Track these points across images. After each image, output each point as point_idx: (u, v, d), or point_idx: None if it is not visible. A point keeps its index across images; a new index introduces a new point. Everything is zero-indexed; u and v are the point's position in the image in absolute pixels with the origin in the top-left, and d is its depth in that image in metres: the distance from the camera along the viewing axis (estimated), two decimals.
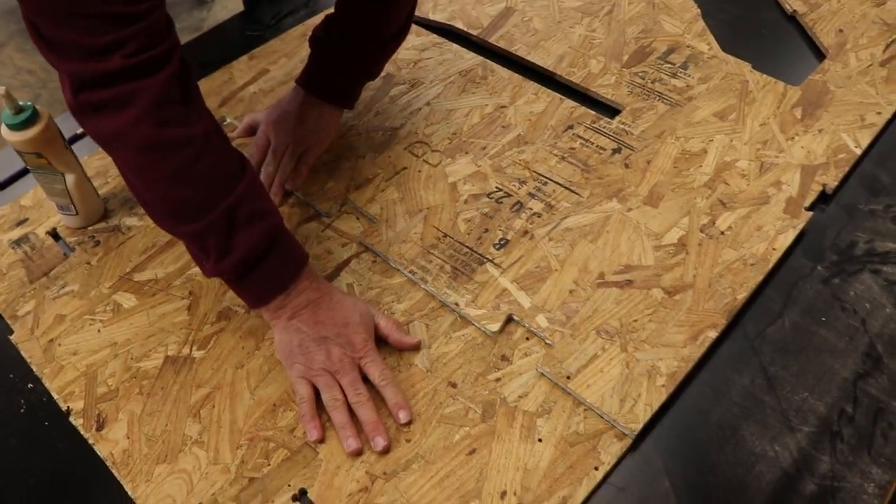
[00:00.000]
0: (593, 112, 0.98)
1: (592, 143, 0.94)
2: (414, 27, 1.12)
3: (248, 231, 0.68)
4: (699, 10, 1.12)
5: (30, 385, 0.75)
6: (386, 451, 0.68)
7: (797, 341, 0.75)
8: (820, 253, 0.82)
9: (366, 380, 0.72)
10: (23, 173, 0.95)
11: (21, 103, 0.79)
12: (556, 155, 0.93)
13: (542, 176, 0.91)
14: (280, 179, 0.90)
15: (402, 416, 0.70)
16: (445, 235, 0.84)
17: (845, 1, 1.12)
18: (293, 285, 0.72)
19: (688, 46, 1.06)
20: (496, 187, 0.89)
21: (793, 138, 0.93)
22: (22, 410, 0.74)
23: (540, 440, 0.68)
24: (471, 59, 1.07)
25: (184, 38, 1.14)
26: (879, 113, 0.95)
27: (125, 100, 0.62)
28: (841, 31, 1.07)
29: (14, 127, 0.78)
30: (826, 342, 0.75)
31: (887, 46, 1.04)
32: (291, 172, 0.90)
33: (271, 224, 0.71)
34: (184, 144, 0.66)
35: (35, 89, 2.19)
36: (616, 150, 0.93)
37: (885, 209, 0.86)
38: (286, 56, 1.09)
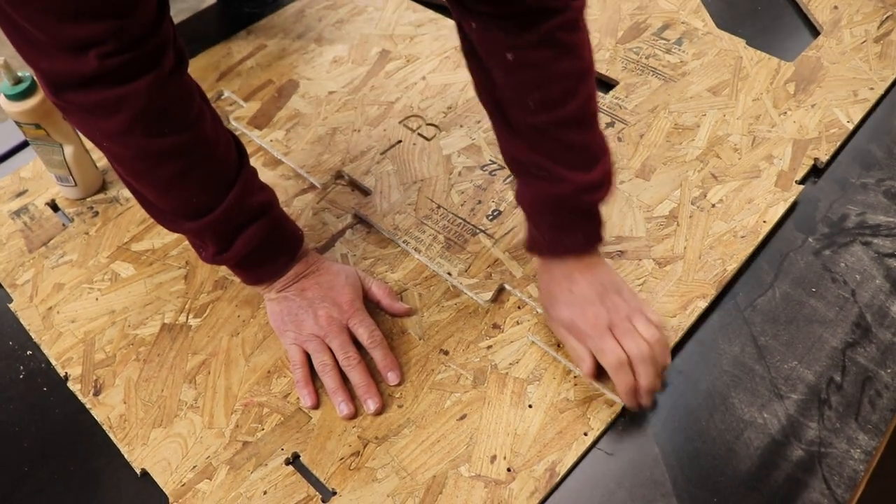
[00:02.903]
0: None
1: None
2: (410, 3, 1.12)
3: (247, 231, 0.69)
4: None
5: (29, 352, 0.77)
6: (378, 412, 0.69)
7: (787, 311, 0.76)
8: (812, 225, 0.83)
9: (358, 343, 0.73)
10: (23, 146, 0.96)
11: (20, 74, 0.80)
12: None
13: None
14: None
15: (392, 378, 0.71)
16: (439, 207, 0.85)
17: None
18: (288, 269, 0.74)
19: (682, 23, 1.07)
20: (490, 160, 0.90)
21: (785, 113, 0.93)
22: (21, 377, 0.75)
23: (530, 406, 0.69)
24: None
25: (183, 17, 1.16)
26: (872, 88, 0.95)
27: (110, 107, 0.57)
28: (836, 7, 1.07)
29: (12, 97, 0.79)
30: (816, 312, 0.76)
31: (882, 23, 1.04)
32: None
33: (269, 219, 0.70)
34: (179, 153, 0.62)
35: None
36: (609, 124, 0.93)
37: (877, 183, 0.87)
38: (283, 31, 1.10)
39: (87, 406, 0.72)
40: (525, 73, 0.64)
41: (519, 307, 0.77)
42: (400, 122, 0.96)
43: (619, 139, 0.91)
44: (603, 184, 0.68)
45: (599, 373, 0.69)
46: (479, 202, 0.85)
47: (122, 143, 0.61)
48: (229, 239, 0.68)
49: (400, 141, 0.93)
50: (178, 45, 0.61)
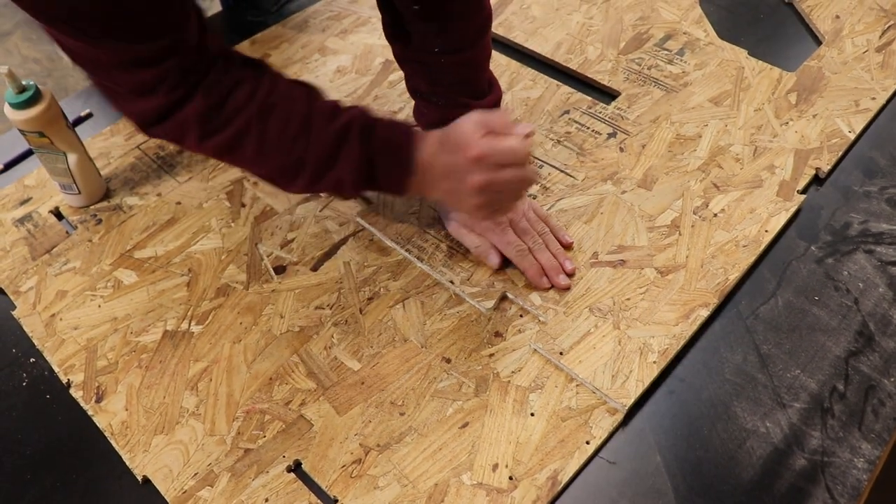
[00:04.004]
0: (589, 98, 0.99)
1: (588, 128, 0.95)
2: None
3: (344, 159, 0.66)
4: None
5: (31, 359, 0.77)
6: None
7: (790, 320, 0.76)
8: (814, 233, 0.83)
9: None
10: (27, 154, 0.97)
11: (24, 83, 0.80)
12: (551, 139, 0.94)
13: (538, 159, 0.91)
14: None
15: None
16: (439, 215, 0.85)
17: None
18: (415, 162, 0.68)
19: (684, 33, 1.07)
20: None
21: (787, 123, 0.93)
22: (24, 384, 0.75)
23: (532, 414, 0.69)
24: None
25: None
26: (874, 98, 0.95)
27: (180, 129, 0.63)
28: (837, 17, 1.07)
29: (17, 106, 0.79)
30: (819, 321, 0.76)
31: (883, 32, 1.04)
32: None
33: (356, 133, 0.66)
34: (245, 134, 0.64)
35: (41, 78, 2.21)
36: (611, 135, 0.94)
37: (880, 191, 0.87)
38: (287, 42, 1.10)
39: (89, 413, 0.72)
40: (429, 22, 0.74)
41: (521, 315, 0.77)
42: None
43: (622, 149, 0.92)
44: (496, 107, 0.81)
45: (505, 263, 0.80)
46: None
47: (202, 153, 0.67)
48: (333, 169, 0.67)
49: None
50: (221, 46, 0.65)
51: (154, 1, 0.56)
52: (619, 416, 0.69)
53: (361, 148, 0.66)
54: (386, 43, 0.82)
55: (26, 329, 0.78)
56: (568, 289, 0.78)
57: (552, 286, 0.79)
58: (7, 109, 0.81)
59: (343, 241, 0.84)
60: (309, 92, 0.67)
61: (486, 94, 0.80)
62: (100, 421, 0.71)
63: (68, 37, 0.57)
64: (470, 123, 0.66)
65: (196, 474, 0.67)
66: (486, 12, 0.76)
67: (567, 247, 0.82)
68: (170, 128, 0.63)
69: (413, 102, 0.83)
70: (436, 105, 0.79)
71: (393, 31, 0.78)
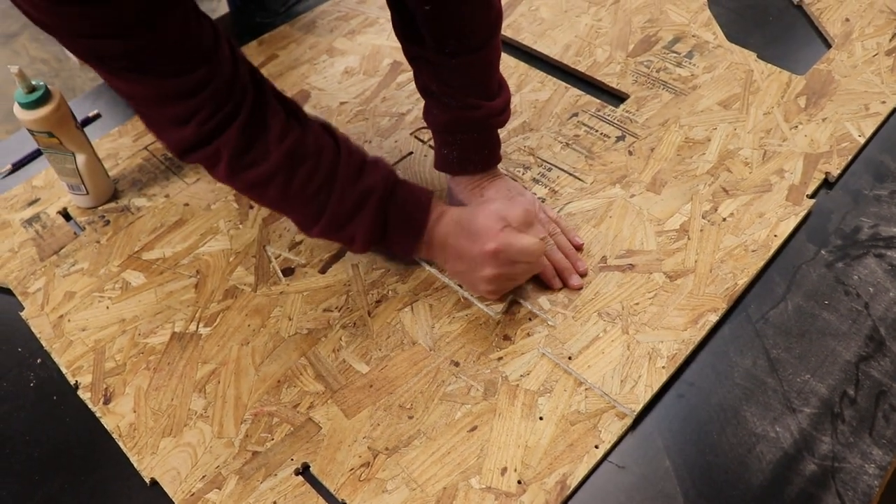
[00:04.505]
0: (598, 100, 0.99)
1: (597, 131, 0.95)
2: None
3: (360, 221, 0.69)
4: (705, 0, 1.13)
5: (39, 360, 0.77)
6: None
7: (800, 324, 0.76)
8: (824, 237, 0.83)
9: None
10: (35, 155, 0.97)
11: (34, 83, 0.80)
12: (560, 142, 0.94)
13: (547, 162, 0.91)
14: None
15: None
16: None
17: None
18: (425, 231, 0.72)
19: (693, 36, 1.07)
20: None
21: (796, 127, 0.93)
22: (32, 385, 0.75)
23: (541, 418, 0.69)
24: None
25: None
26: (884, 102, 0.95)
27: (212, 159, 0.65)
28: (847, 20, 1.07)
29: (26, 106, 0.80)
30: (829, 325, 0.76)
31: (894, 35, 1.04)
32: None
33: (375, 200, 0.69)
34: (272, 178, 0.66)
35: (48, 78, 2.22)
36: (620, 138, 0.93)
37: (891, 195, 0.86)
38: (295, 42, 1.10)
39: (97, 414, 0.72)
40: (440, 23, 0.73)
41: (530, 319, 0.76)
42: (411, 134, 0.96)
43: (630, 153, 0.91)
44: (505, 109, 0.81)
45: None
46: None
47: (229, 185, 0.68)
48: (347, 226, 0.70)
49: (411, 152, 0.93)
50: (257, 80, 0.65)
51: (186, 36, 0.58)
52: (628, 421, 0.69)
53: (378, 215, 0.69)
54: (394, 44, 0.82)
55: (34, 330, 0.78)
56: (581, 289, 0.78)
57: (564, 286, 0.79)
58: (17, 109, 0.81)
59: None
60: (338, 144, 0.69)
61: (497, 95, 0.80)
62: (108, 423, 0.71)
63: (104, 72, 0.58)
64: (491, 216, 0.70)
65: (204, 477, 0.67)
66: (496, 12, 0.76)
67: (578, 248, 0.82)
68: (202, 157, 0.64)
69: (422, 103, 0.83)
70: (446, 105, 0.79)
71: (403, 30, 0.79)
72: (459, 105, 0.78)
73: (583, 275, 0.79)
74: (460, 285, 0.79)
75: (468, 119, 0.79)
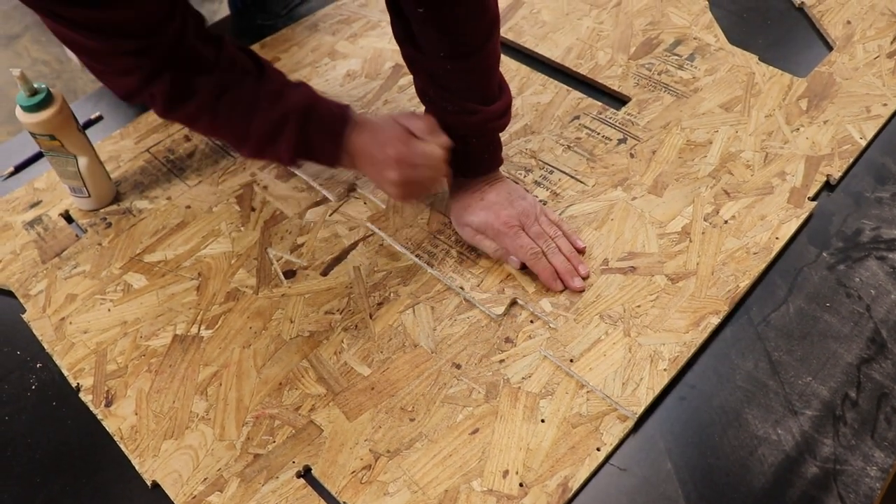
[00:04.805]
0: (599, 103, 0.99)
1: (598, 134, 0.95)
2: None
3: (283, 141, 0.73)
4: (707, 3, 1.13)
5: (40, 363, 0.77)
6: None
7: (801, 326, 0.76)
8: (826, 240, 0.83)
9: None
10: (37, 157, 0.97)
11: (36, 86, 0.80)
12: (562, 144, 0.94)
13: (548, 165, 0.91)
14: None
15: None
16: (451, 221, 0.85)
17: None
18: (347, 146, 0.76)
19: (695, 39, 1.07)
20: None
21: (798, 129, 0.93)
22: (34, 387, 0.75)
23: (543, 421, 0.69)
24: None
25: None
26: (885, 104, 0.95)
27: (149, 101, 0.71)
28: (849, 22, 1.07)
29: (28, 109, 0.80)
30: (830, 327, 0.76)
31: (895, 38, 1.04)
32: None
33: (294, 121, 0.73)
34: (200, 113, 0.72)
35: (50, 79, 2.22)
36: (622, 140, 0.94)
37: (892, 197, 0.86)
38: (297, 45, 1.10)
39: (99, 417, 0.72)
40: (435, 27, 0.74)
41: (531, 321, 0.76)
42: None
43: (632, 155, 0.92)
44: (506, 111, 0.81)
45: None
46: None
47: (166, 118, 0.76)
48: (275, 150, 0.75)
49: None
50: (191, 14, 0.70)
51: (142, 13, 0.64)
52: (630, 423, 0.69)
53: (299, 134, 0.74)
54: (396, 47, 0.81)
55: (36, 332, 0.78)
56: (582, 291, 0.78)
57: (566, 289, 0.79)
58: (19, 112, 0.81)
59: (353, 246, 0.84)
60: (260, 71, 0.74)
61: (496, 98, 0.80)
62: (109, 425, 0.71)
63: (67, 30, 0.63)
64: (396, 125, 0.76)
65: (205, 479, 0.67)
66: (492, 15, 0.76)
67: (580, 252, 0.82)
68: (140, 100, 0.71)
69: (424, 107, 0.83)
70: (444, 110, 0.79)
71: (401, 33, 0.79)
72: (457, 110, 0.78)
73: (584, 278, 0.79)
74: (462, 287, 0.79)
75: (466, 124, 0.79)
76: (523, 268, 0.80)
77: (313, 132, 0.74)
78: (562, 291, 0.79)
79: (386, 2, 0.77)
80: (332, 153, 0.77)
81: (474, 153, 0.82)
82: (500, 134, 0.83)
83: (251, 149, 0.75)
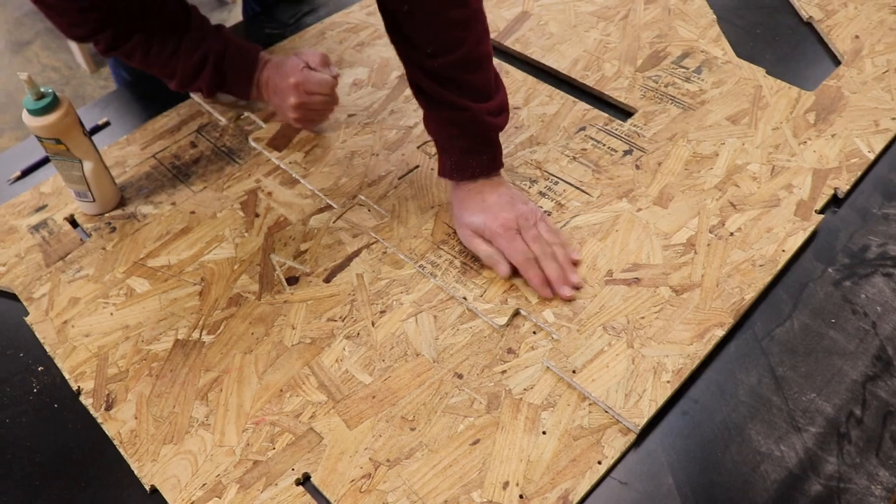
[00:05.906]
0: (606, 115, 0.99)
1: (604, 145, 0.94)
2: None
3: (203, 78, 0.93)
4: (714, 17, 1.13)
5: (41, 367, 0.77)
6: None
7: (806, 342, 0.75)
8: (831, 255, 0.82)
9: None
10: (43, 162, 0.97)
11: (42, 89, 0.81)
12: (567, 155, 0.93)
13: (554, 176, 0.91)
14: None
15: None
16: (455, 232, 0.85)
17: (862, 7, 1.12)
18: (254, 77, 0.95)
19: (702, 51, 1.07)
20: None
21: (805, 142, 0.92)
22: (35, 390, 0.75)
23: (544, 433, 0.69)
24: None
25: None
26: (894, 119, 0.94)
27: (93, 45, 0.89)
28: (857, 37, 1.07)
29: (34, 112, 0.80)
30: (835, 344, 0.75)
31: None
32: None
33: (212, 61, 0.91)
34: (133, 53, 0.90)
35: (59, 86, 2.23)
36: (627, 152, 0.93)
37: None
38: None
39: (99, 421, 0.72)
40: (418, 23, 0.77)
41: (534, 332, 0.76)
42: (418, 147, 0.96)
43: (638, 167, 0.91)
44: (501, 111, 0.82)
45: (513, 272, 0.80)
46: None
47: (105, 56, 0.93)
48: (197, 84, 0.94)
49: (418, 166, 0.93)
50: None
51: None
52: (632, 437, 0.68)
53: (216, 71, 0.93)
54: None
55: (38, 335, 0.78)
56: (571, 300, 0.78)
57: (555, 297, 0.78)
58: (25, 115, 0.81)
59: (356, 253, 0.84)
60: (188, 19, 0.91)
61: (490, 97, 0.80)
62: (109, 429, 0.71)
63: None
64: (295, 59, 0.93)
65: (204, 485, 0.66)
66: (472, 11, 0.77)
67: (575, 264, 0.81)
68: (87, 43, 0.91)
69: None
70: (437, 108, 0.81)
71: (392, 32, 0.81)
72: (449, 106, 0.79)
73: (577, 288, 0.79)
74: (465, 297, 0.79)
75: (458, 121, 0.80)
76: (515, 274, 0.80)
77: (230, 70, 0.93)
78: (552, 299, 0.78)
79: (377, 4, 0.80)
80: (244, 87, 0.95)
81: (472, 154, 0.82)
82: (505, 144, 0.83)
83: (177, 83, 0.93)
